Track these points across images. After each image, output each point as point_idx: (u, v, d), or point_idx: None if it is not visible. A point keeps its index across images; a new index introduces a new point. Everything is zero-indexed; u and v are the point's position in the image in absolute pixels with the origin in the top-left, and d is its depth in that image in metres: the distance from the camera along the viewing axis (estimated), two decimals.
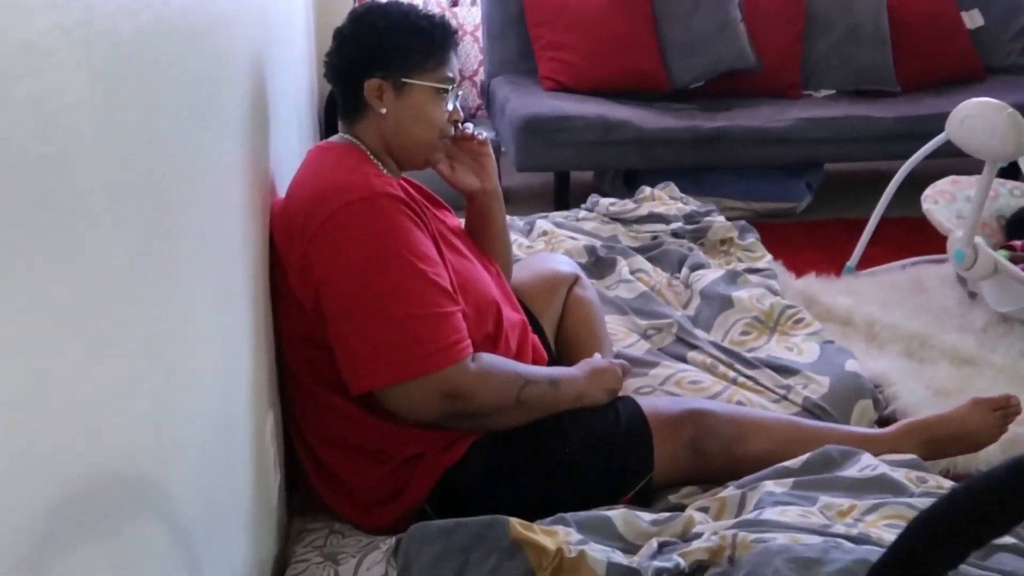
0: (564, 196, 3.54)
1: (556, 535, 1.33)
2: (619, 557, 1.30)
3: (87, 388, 0.69)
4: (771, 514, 1.38)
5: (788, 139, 3.43)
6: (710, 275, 2.37)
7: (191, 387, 0.99)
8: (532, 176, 3.76)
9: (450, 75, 1.64)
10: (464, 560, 1.30)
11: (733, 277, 2.38)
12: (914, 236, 3.03)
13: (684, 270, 2.46)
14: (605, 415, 1.63)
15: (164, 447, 0.88)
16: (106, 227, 0.73)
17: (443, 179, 1.77)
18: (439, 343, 1.45)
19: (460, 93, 1.70)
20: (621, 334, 2.12)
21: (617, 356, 1.97)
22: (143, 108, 0.83)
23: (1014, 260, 2.49)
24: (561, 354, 1.94)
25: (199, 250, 1.04)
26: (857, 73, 3.83)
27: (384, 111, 1.61)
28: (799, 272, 2.82)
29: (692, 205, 2.82)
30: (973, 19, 3.99)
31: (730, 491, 1.53)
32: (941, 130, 2.57)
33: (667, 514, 1.47)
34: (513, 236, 2.41)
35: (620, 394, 1.70)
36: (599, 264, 2.45)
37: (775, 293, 2.36)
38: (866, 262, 2.91)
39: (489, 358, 1.55)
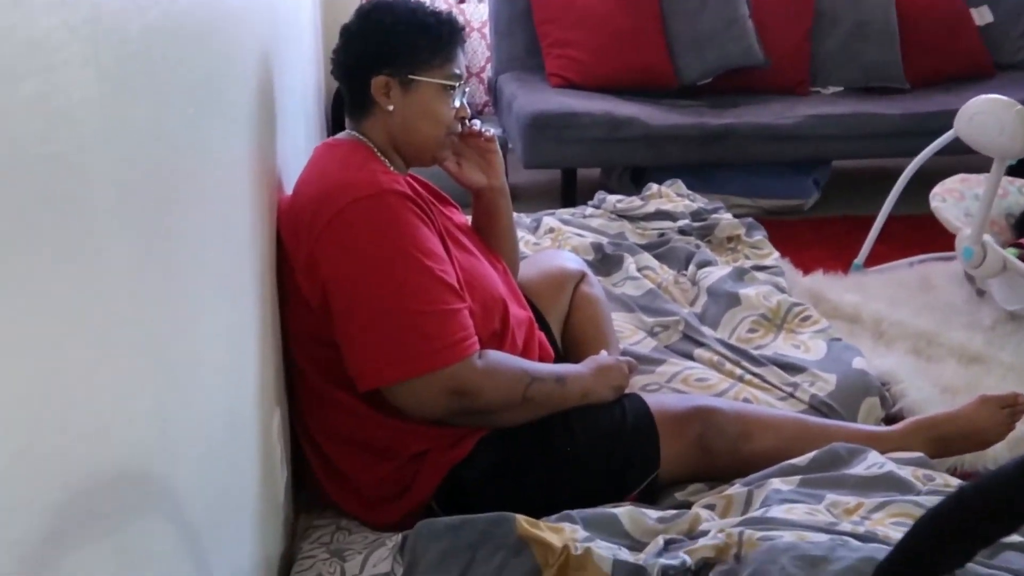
0: (571, 193, 3.54)
1: (562, 532, 1.33)
2: (625, 554, 1.30)
3: (93, 386, 0.69)
4: (777, 512, 1.38)
5: (796, 136, 3.42)
6: (717, 272, 2.37)
7: (197, 384, 1.00)
8: (539, 173, 3.76)
9: (457, 72, 1.64)
10: (470, 557, 1.30)
11: (740, 274, 2.37)
12: (922, 233, 3.02)
13: (691, 267, 2.46)
14: (611, 412, 1.63)
15: (170, 444, 0.88)
16: (112, 225, 0.73)
17: (450, 176, 1.77)
18: (446, 340, 1.46)
19: (467, 90, 1.70)
20: (628, 331, 2.12)
21: (624, 353, 1.96)
22: (150, 105, 0.83)
23: (1023, 258, 2.48)
24: (568, 351, 1.94)
25: (206, 247, 1.04)
26: (865, 70, 3.81)
27: (391, 108, 1.61)
28: (806, 269, 2.81)
29: (699, 202, 2.82)
30: (982, 15, 3.98)
31: (736, 489, 1.53)
32: (949, 127, 2.56)
33: (673, 511, 1.47)
34: (520, 233, 2.41)
35: (626, 391, 1.69)
36: (606, 261, 2.45)
37: (782, 290, 2.36)
38: (874, 259, 2.90)
39: (496, 355, 1.55)
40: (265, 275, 1.42)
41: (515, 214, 2.08)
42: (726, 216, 2.74)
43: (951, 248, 2.56)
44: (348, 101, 1.68)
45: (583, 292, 2.02)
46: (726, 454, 1.62)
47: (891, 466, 1.51)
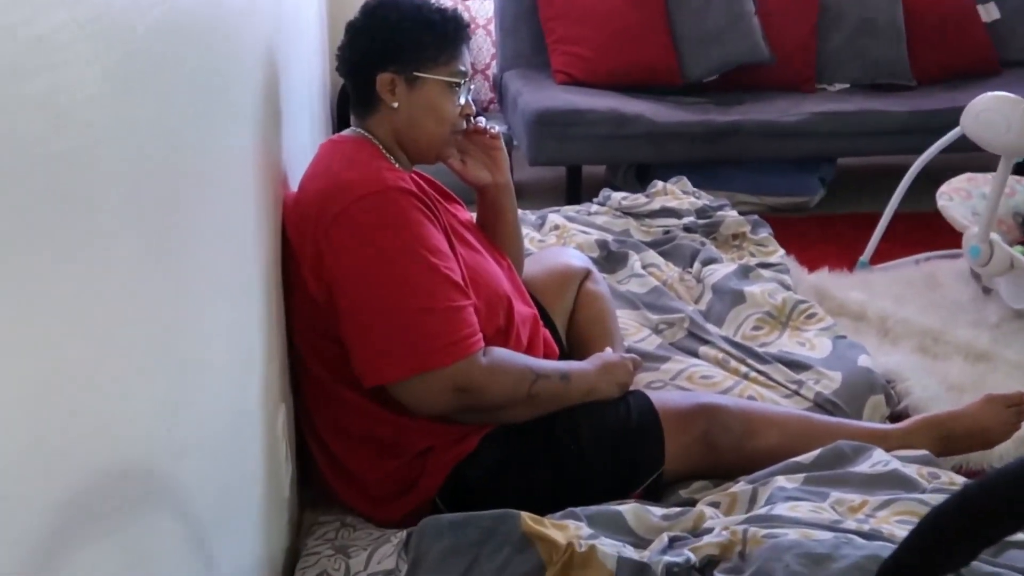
0: (576, 190, 3.53)
1: (567, 529, 1.33)
2: (630, 552, 1.31)
3: (100, 382, 0.70)
4: (782, 509, 1.38)
5: (801, 133, 3.42)
6: (722, 270, 2.37)
7: (203, 381, 1.00)
8: (544, 170, 3.75)
9: (462, 69, 1.64)
10: (475, 554, 1.30)
11: (745, 272, 2.37)
12: (928, 231, 3.01)
13: (696, 265, 2.46)
14: (616, 409, 1.63)
15: (176, 441, 0.89)
16: (118, 222, 0.73)
17: (454, 173, 1.77)
18: (451, 337, 1.46)
19: (472, 87, 1.70)
20: (632, 328, 2.12)
21: (628, 351, 1.96)
22: (156, 103, 0.83)
23: None
24: (572, 348, 1.94)
25: (211, 244, 1.05)
26: (871, 67, 3.80)
27: (396, 105, 1.61)
28: (812, 267, 2.81)
29: (704, 199, 2.82)
30: (989, 12, 3.96)
31: (741, 486, 1.53)
32: (956, 124, 2.56)
33: (678, 509, 1.47)
34: (525, 230, 2.41)
35: (631, 388, 1.70)
36: (611, 258, 2.45)
37: (787, 288, 2.36)
38: (879, 257, 2.90)
39: (500, 352, 1.55)
40: (270, 272, 1.42)
41: (520, 211, 2.08)
42: (731, 213, 2.73)
43: (957, 246, 2.55)
44: (353, 98, 1.68)
45: (588, 289, 2.02)
46: (731, 451, 1.62)
47: (896, 464, 1.50)
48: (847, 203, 3.57)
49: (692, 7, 3.67)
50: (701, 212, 2.74)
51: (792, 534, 1.28)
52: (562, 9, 3.68)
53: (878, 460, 1.53)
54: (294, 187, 1.68)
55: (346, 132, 1.69)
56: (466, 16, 1.72)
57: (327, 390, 1.57)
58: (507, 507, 1.36)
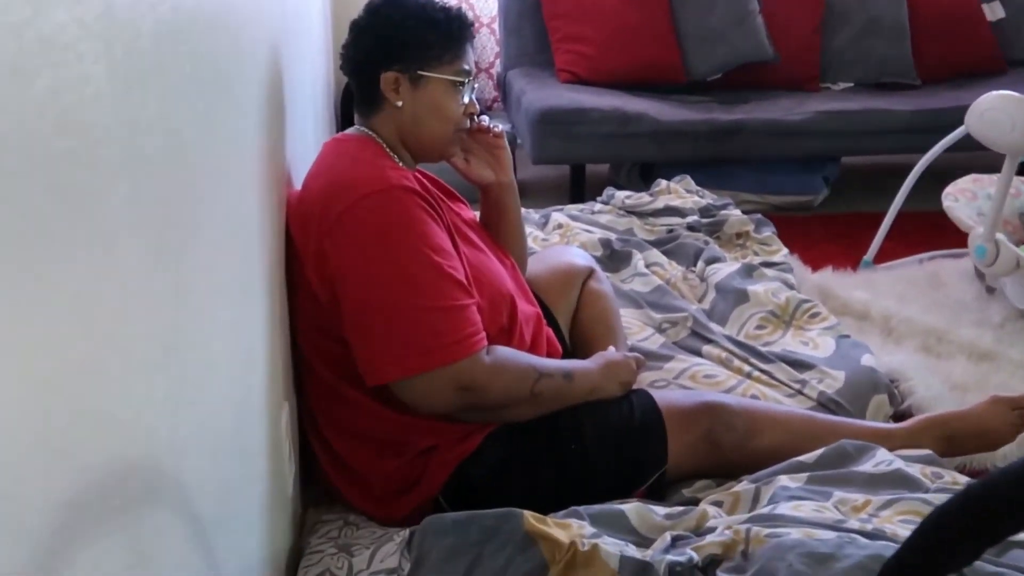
0: (580, 189, 3.53)
1: (570, 528, 1.33)
2: (632, 551, 1.31)
3: (102, 381, 0.70)
4: (785, 509, 1.38)
5: (805, 132, 3.41)
6: (726, 269, 2.36)
7: (207, 379, 1.00)
8: (548, 169, 3.76)
9: (466, 68, 1.64)
10: (478, 553, 1.30)
11: (749, 271, 2.37)
12: (932, 230, 3.01)
13: (700, 264, 2.45)
14: (619, 408, 1.63)
15: (180, 438, 0.89)
16: (123, 219, 0.73)
17: (458, 172, 1.77)
18: (454, 336, 1.46)
19: (476, 86, 1.70)
20: (636, 327, 2.12)
21: (632, 349, 1.97)
22: (160, 101, 0.83)
23: None
24: (576, 347, 1.94)
25: (215, 243, 1.05)
26: (876, 66, 3.79)
27: (400, 104, 1.61)
28: (815, 266, 2.80)
29: (708, 198, 2.82)
30: (994, 11, 3.95)
31: (744, 485, 1.53)
32: (960, 123, 2.55)
33: (681, 508, 1.47)
34: (528, 229, 2.41)
35: (634, 387, 1.70)
36: (614, 257, 2.45)
37: (791, 287, 2.36)
38: (883, 256, 2.90)
39: (503, 351, 1.55)
40: (274, 270, 1.43)
41: (523, 210, 2.08)
42: (735, 212, 2.73)
43: (961, 245, 2.55)
44: (357, 96, 1.68)
45: (591, 288, 2.02)
46: (734, 450, 1.62)
47: (899, 463, 1.50)
48: (851, 202, 3.57)
49: (696, 6, 3.67)
50: (705, 211, 2.74)
51: (795, 533, 1.28)
52: (566, 8, 3.68)
53: (881, 460, 1.52)
54: (298, 185, 1.68)
55: (350, 131, 1.69)
56: (470, 15, 1.72)
57: (330, 389, 1.58)
58: (510, 506, 1.36)
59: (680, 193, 2.83)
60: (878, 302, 2.52)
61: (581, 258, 2.10)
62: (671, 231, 2.64)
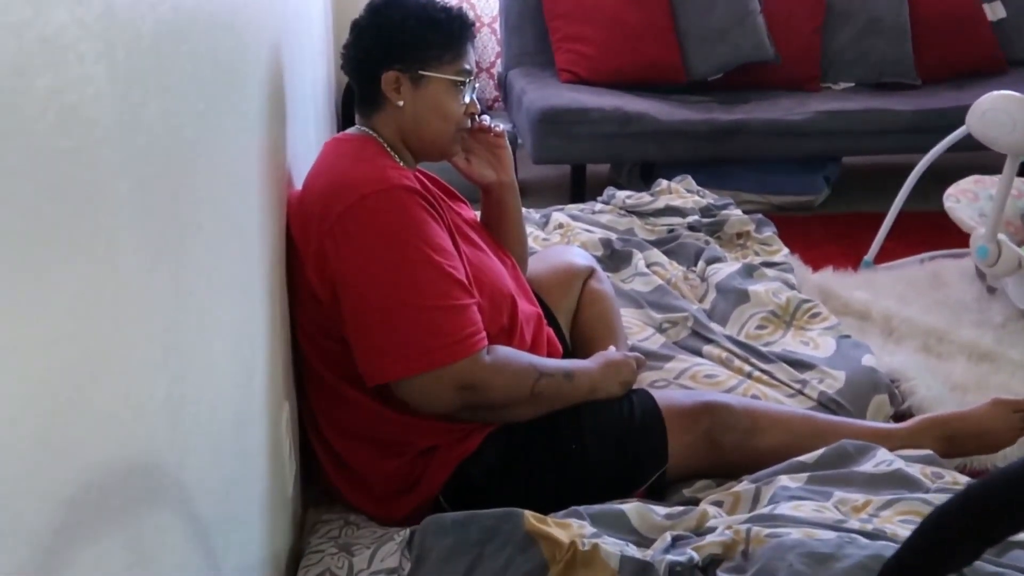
0: (580, 189, 3.53)
1: (570, 528, 1.34)
2: (632, 550, 1.31)
3: (105, 379, 0.70)
4: (785, 509, 1.38)
5: (806, 132, 3.41)
6: (726, 269, 2.36)
7: (207, 378, 1.00)
8: (548, 168, 3.76)
9: (467, 67, 1.64)
10: (478, 552, 1.30)
11: (749, 271, 2.37)
12: (933, 230, 3.01)
13: (700, 263, 2.45)
14: (620, 407, 1.63)
15: (180, 438, 0.89)
16: (124, 218, 0.73)
17: (459, 172, 1.77)
18: (455, 335, 1.46)
19: (477, 85, 1.70)
20: (636, 327, 2.12)
21: (632, 349, 1.97)
22: (162, 100, 0.84)
23: None
24: (576, 347, 1.94)
25: (216, 242, 1.05)
26: (877, 66, 3.79)
27: (401, 103, 1.61)
28: (816, 266, 2.80)
29: (709, 198, 2.82)
30: (995, 11, 3.95)
31: (744, 485, 1.53)
32: (961, 123, 2.55)
33: (681, 508, 1.47)
34: (529, 229, 2.41)
35: (634, 387, 1.70)
36: (615, 257, 2.45)
37: (791, 287, 2.36)
38: (884, 256, 2.90)
39: (504, 350, 1.55)
40: (275, 269, 1.43)
41: (524, 210, 2.08)
42: (736, 212, 2.73)
43: (962, 245, 2.55)
44: (358, 96, 1.68)
45: (592, 288, 2.02)
46: (734, 449, 1.62)
47: (900, 464, 1.50)
48: (852, 202, 3.57)
49: (697, 5, 3.67)
50: (705, 211, 2.74)
51: (795, 533, 1.28)
52: (567, 7, 3.68)
53: (882, 460, 1.53)
54: (299, 185, 1.68)
55: (351, 130, 1.69)
56: (471, 14, 1.72)
57: (331, 388, 1.58)
58: (510, 505, 1.36)
59: (681, 193, 2.83)
60: (879, 302, 2.52)
61: (582, 258, 2.11)
62: (672, 231, 2.64)
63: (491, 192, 1.82)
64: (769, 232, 2.69)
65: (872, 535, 1.29)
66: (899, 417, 1.91)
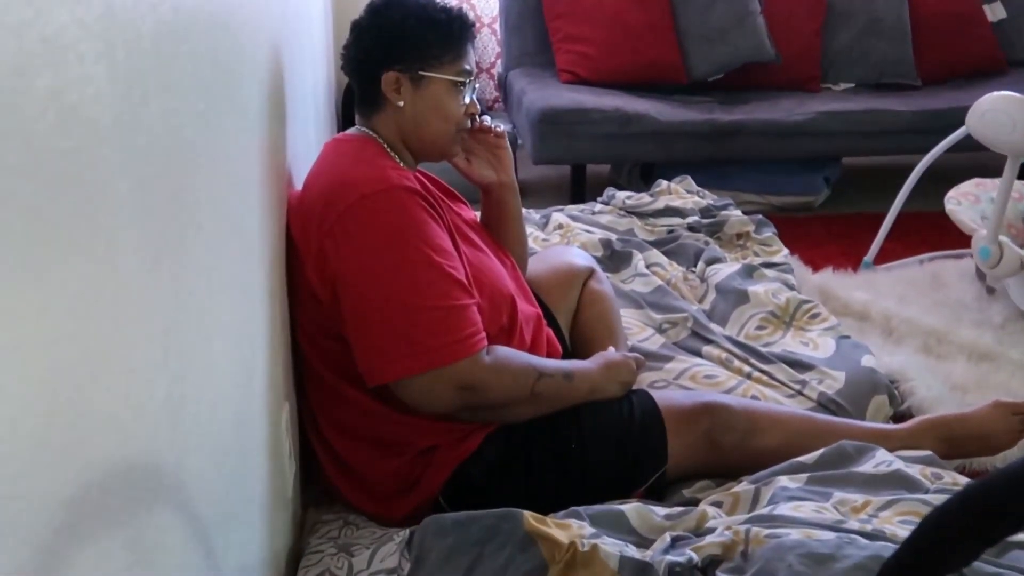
0: (580, 189, 3.53)
1: (569, 528, 1.34)
2: (632, 551, 1.31)
3: (105, 379, 0.70)
4: (785, 509, 1.38)
5: (806, 133, 3.42)
6: (726, 269, 2.37)
7: (207, 379, 1.00)
8: (548, 169, 3.76)
9: (467, 68, 1.64)
10: (478, 553, 1.31)
11: (749, 271, 2.37)
12: (933, 231, 3.01)
13: (700, 264, 2.46)
14: (619, 408, 1.63)
15: (180, 438, 0.89)
16: (124, 219, 0.73)
17: (459, 172, 1.77)
18: (454, 336, 1.46)
19: (477, 86, 1.70)
20: (636, 328, 2.12)
21: (632, 350, 1.97)
22: (162, 100, 0.84)
23: None
24: (576, 347, 1.94)
25: (216, 242, 1.05)
26: (877, 66, 3.80)
27: (401, 104, 1.61)
28: (816, 266, 2.81)
29: (709, 199, 2.82)
30: (995, 12, 3.93)
31: (744, 486, 1.53)
32: (961, 124, 2.55)
33: (680, 508, 1.47)
34: (529, 229, 2.41)
35: (634, 387, 1.70)
36: (615, 258, 2.45)
37: (791, 288, 2.36)
38: (884, 257, 2.90)
39: (504, 351, 1.55)
40: (275, 270, 1.43)
41: (524, 210, 2.08)
42: (735, 213, 2.74)
43: (962, 246, 2.55)
44: (358, 96, 1.68)
45: (592, 288, 2.02)
46: (734, 450, 1.62)
47: (899, 464, 1.50)
48: (852, 203, 3.57)
49: (697, 6, 3.67)
50: (705, 211, 2.74)
51: (795, 534, 1.28)
52: (567, 8, 3.68)
53: (881, 460, 1.53)
54: (299, 185, 1.68)
55: (351, 131, 1.70)
56: (471, 15, 1.72)
57: (331, 388, 1.58)
58: (510, 506, 1.36)
59: (681, 193, 2.83)
60: (878, 303, 2.53)
61: (581, 258, 2.11)
62: (671, 231, 2.64)
63: (491, 192, 1.82)
64: (769, 233, 2.69)
65: (871, 535, 1.29)
66: (899, 418, 1.91)
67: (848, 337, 2.14)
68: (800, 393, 1.92)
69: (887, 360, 2.13)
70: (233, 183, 1.16)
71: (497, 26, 4.08)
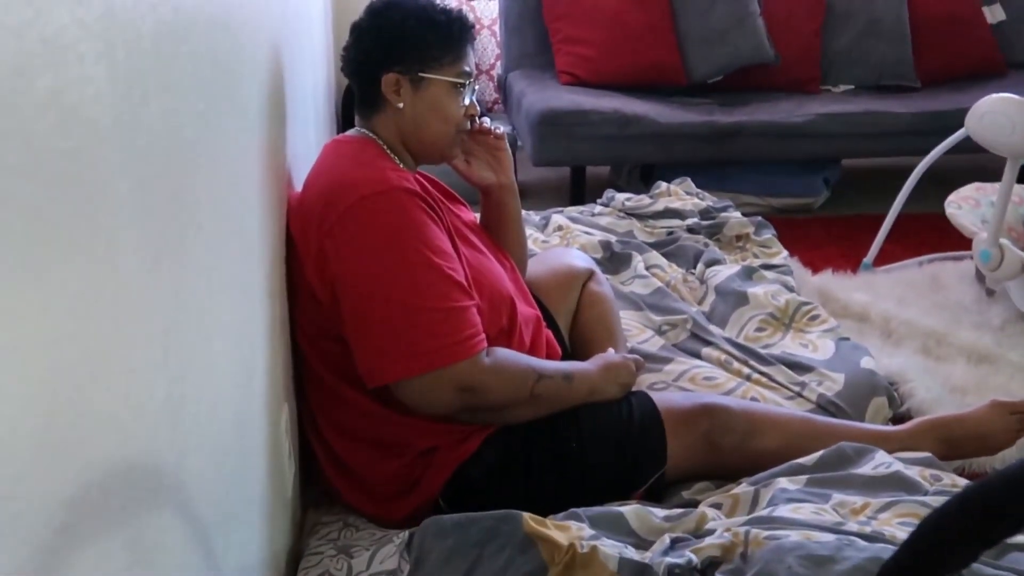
0: (580, 191, 3.54)
1: (569, 530, 1.34)
2: (631, 553, 1.31)
3: (105, 379, 0.70)
4: (784, 511, 1.38)
5: (806, 134, 3.42)
6: (725, 271, 2.37)
7: (207, 380, 1.00)
8: (548, 170, 3.76)
9: (467, 69, 1.64)
10: (477, 554, 1.30)
11: (749, 273, 2.37)
12: (932, 233, 3.01)
13: (699, 266, 2.46)
14: (619, 409, 1.63)
15: (180, 439, 0.89)
16: (124, 219, 0.73)
17: (458, 174, 1.77)
18: (454, 337, 1.46)
19: (477, 87, 1.70)
20: (636, 330, 2.12)
21: (631, 352, 1.97)
22: (162, 101, 0.84)
23: None
24: (575, 349, 1.94)
25: (216, 243, 1.05)
26: (877, 68, 3.80)
27: (401, 105, 1.61)
28: (816, 268, 2.81)
29: (708, 200, 2.82)
30: (994, 13, 3.94)
31: (743, 488, 1.53)
32: (961, 126, 2.55)
33: (680, 510, 1.47)
34: (528, 231, 2.41)
35: (633, 389, 1.70)
36: (614, 259, 2.45)
37: (791, 289, 2.36)
38: (883, 258, 2.90)
39: (503, 352, 1.55)
40: (274, 271, 1.43)
41: (524, 212, 2.08)
42: (735, 215, 2.74)
43: (962, 248, 2.55)
44: (358, 98, 1.68)
45: (591, 290, 2.02)
46: (733, 452, 1.62)
47: (898, 466, 1.50)
48: (851, 205, 3.57)
49: (697, 7, 3.68)
50: (705, 213, 2.74)
51: (794, 536, 1.28)
52: (567, 9, 3.68)
53: (880, 462, 1.53)
54: (299, 187, 1.68)
55: (350, 132, 1.70)
56: (471, 16, 1.72)
57: (330, 390, 1.58)
58: (509, 507, 1.36)
59: (680, 195, 2.83)
60: (878, 304, 2.53)
61: (581, 260, 2.11)
62: (671, 233, 2.64)
63: (491, 194, 1.82)
64: (768, 234, 2.69)
65: (871, 537, 1.29)
66: (898, 419, 1.91)
67: (847, 339, 2.14)
68: (799, 395, 1.92)
69: (886, 362, 2.13)
70: (233, 183, 1.16)
71: (497, 28, 4.09)
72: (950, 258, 2.86)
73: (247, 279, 1.23)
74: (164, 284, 0.84)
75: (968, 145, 2.57)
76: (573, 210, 2.81)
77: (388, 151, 1.63)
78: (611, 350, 1.76)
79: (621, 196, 2.81)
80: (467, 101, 1.66)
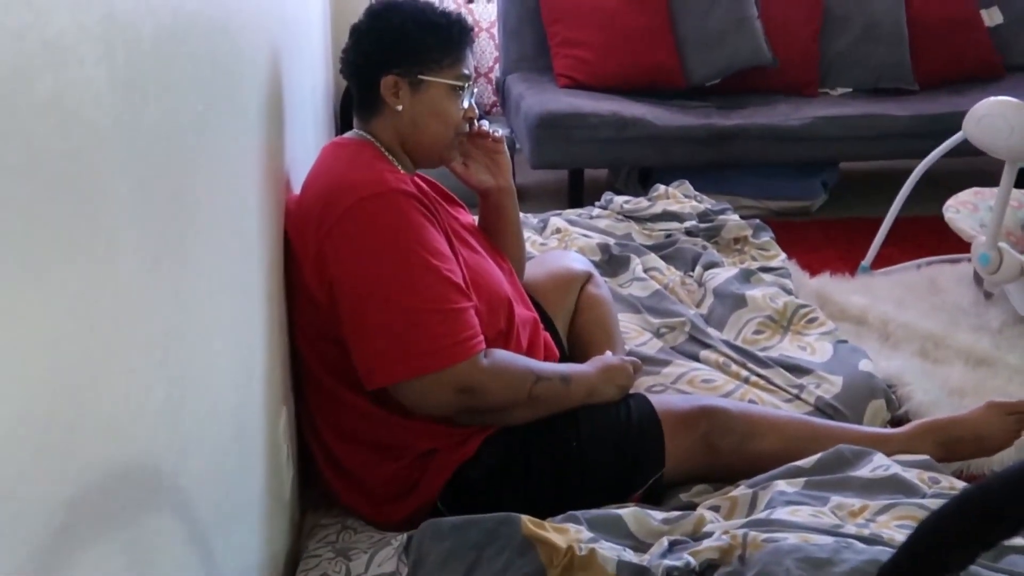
0: (578, 194, 3.54)
1: (567, 533, 1.33)
2: (630, 555, 1.31)
3: (104, 382, 0.70)
4: (782, 514, 1.38)
5: (804, 137, 3.42)
6: (724, 274, 2.37)
7: (206, 382, 1.00)
8: (546, 173, 3.76)
9: (466, 72, 1.64)
10: (475, 557, 1.30)
11: (747, 276, 2.37)
12: (930, 236, 3.01)
13: (698, 268, 2.46)
14: (617, 411, 1.63)
15: (179, 441, 0.89)
16: (124, 221, 0.74)
17: (457, 177, 1.78)
18: (452, 338, 1.46)
19: (475, 90, 1.70)
20: (634, 332, 2.12)
21: (629, 354, 1.97)
22: (162, 103, 0.84)
23: None
24: (574, 352, 1.94)
25: (215, 245, 1.05)
26: (874, 71, 3.80)
27: (400, 108, 1.61)
28: (813, 271, 2.81)
29: (706, 203, 2.82)
30: (992, 17, 3.96)
31: (741, 490, 1.53)
32: (959, 129, 2.56)
33: (678, 513, 1.47)
34: (527, 234, 2.41)
35: (631, 391, 1.70)
36: (612, 262, 2.45)
37: (789, 292, 2.36)
38: (881, 261, 2.90)
39: (501, 354, 1.55)
40: (273, 273, 1.43)
41: (522, 214, 2.09)
42: (733, 217, 2.74)
43: (959, 250, 2.55)
44: (357, 100, 1.68)
45: (589, 293, 2.02)
46: (731, 454, 1.62)
47: (896, 468, 1.50)
48: (849, 207, 3.57)
49: (695, 11, 3.68)
50: (703, 216, 2.74)
51: (792, 538, 1.28)
52: (565, 12, 3.68)
53: (879, 464, 1.53)
54: (297, 189, 1.68)
55: (349, 134, 1.70)
56: (470, 19, 1.72)
57: (329, 392, 1.58)
58: (508, 509, 1.36)
59: (678, 198, 2.83)
60: (876, 307, 2.53)
61: (579, 263, 2.11)
62: (669, 236, 2.64)
63: (489, 197, 1.82)
64: (766, 237, 2.69)
65: (869, 540, 1.29)
66: (896, 422, 1.91)
67: (845, 341, 2.14)
68: (798, 397, 1.92)
69: (884, 364, 2.13)
70: (232, 185, 1.16)
71: (495, 31, 4.09)
72: (948, 261, 2.86)
73: (246, 280, 1.23)
74: (164, 285, 0.84)
75: (966, 148, 2.57)
76: (571, 213, 2.81)
77: (386, 153, 1.63)
78: (609, 352, 1.77)
79: (619, 199, 2.81)
80: (466, 104, 1.66)
